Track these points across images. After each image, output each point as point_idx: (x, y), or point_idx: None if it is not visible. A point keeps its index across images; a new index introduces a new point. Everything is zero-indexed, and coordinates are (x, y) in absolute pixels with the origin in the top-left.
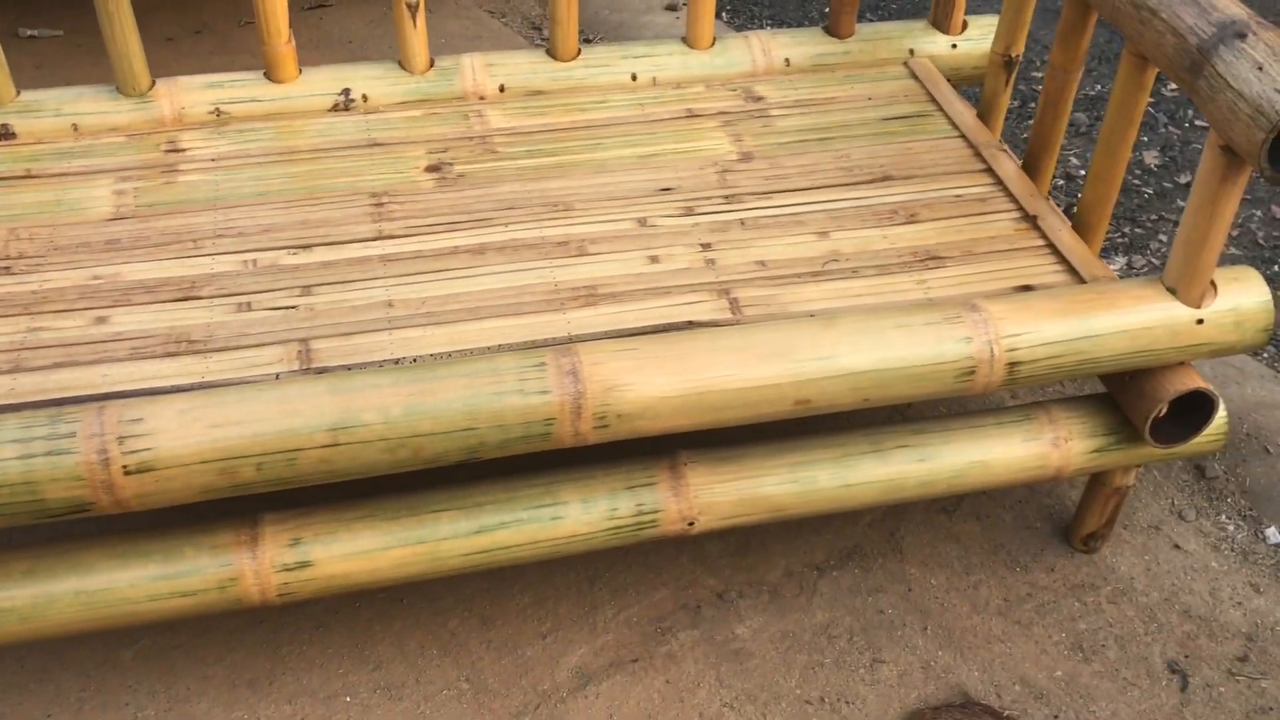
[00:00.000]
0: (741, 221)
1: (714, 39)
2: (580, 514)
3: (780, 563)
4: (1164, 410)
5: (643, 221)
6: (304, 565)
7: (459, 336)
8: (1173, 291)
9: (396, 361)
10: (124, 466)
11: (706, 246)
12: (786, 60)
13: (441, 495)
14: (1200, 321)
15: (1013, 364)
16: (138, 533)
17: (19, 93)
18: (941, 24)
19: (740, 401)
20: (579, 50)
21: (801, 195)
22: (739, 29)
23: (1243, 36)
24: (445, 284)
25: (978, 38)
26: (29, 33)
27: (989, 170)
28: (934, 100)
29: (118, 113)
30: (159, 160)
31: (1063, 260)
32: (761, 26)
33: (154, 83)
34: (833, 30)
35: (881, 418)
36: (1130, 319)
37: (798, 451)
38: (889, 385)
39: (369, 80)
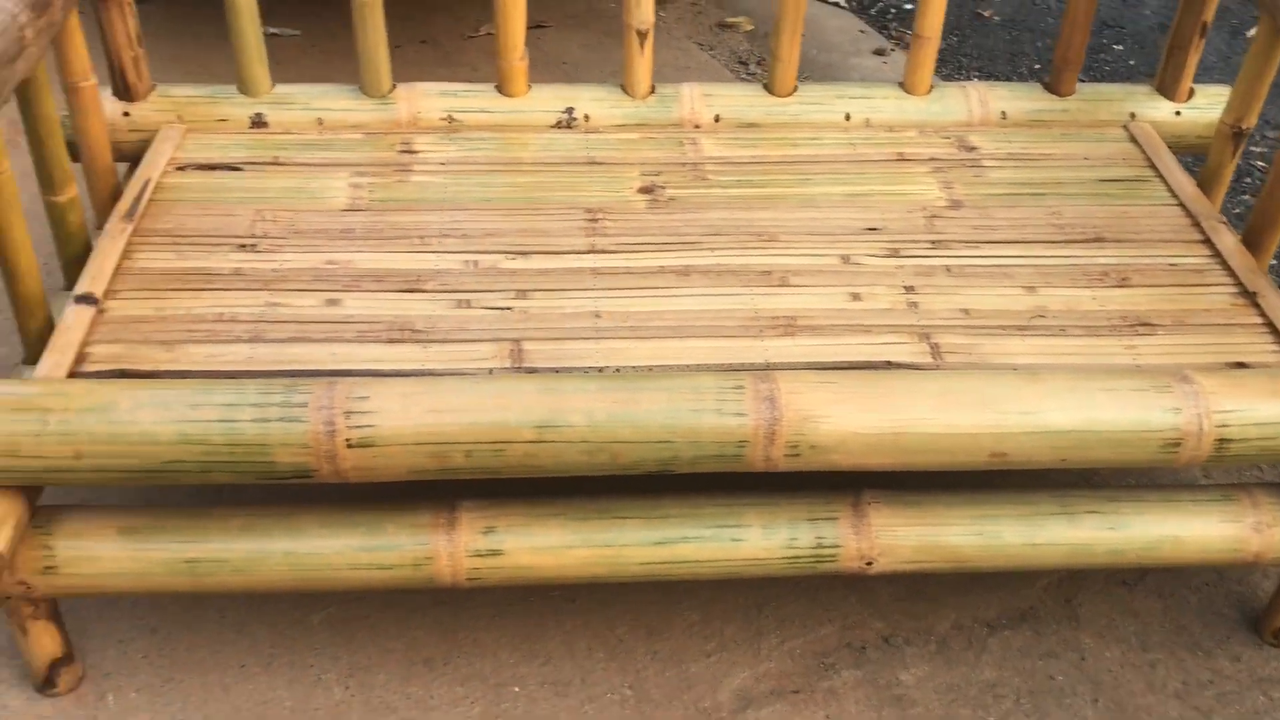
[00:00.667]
0: (947, 268)
1: (931, 86)
2: (760, 539)
3: (950, 615)
4: None
5: (846, 259)
6: (495, 553)
7: (660, 352)
8: None
9: (600, 369)
10: (347, 440)
11: (910, 289)
12: (1003, 113)
13: (629, 503)
14: None
15: (1222, 440)
16: (347, 504)
17: (274, 86)
18: (1168, 90)
19: (936, 447)
20: (796, 87)
21: (1010, 248)
22: (945, 79)
23: None
24: (651, 301)
25: (1204, 106)
26: (270, 30)
27: (1207, 241)
28: (1153, 166)
29: (359, 111)
30: (393, 159)
31: None
32: (968, 78)
33: (394, 86)
34: (1053, 87)
35: (1069, 480)
36: None
37: (985, 505)
38: (1090, 448)
39: (592, 101)
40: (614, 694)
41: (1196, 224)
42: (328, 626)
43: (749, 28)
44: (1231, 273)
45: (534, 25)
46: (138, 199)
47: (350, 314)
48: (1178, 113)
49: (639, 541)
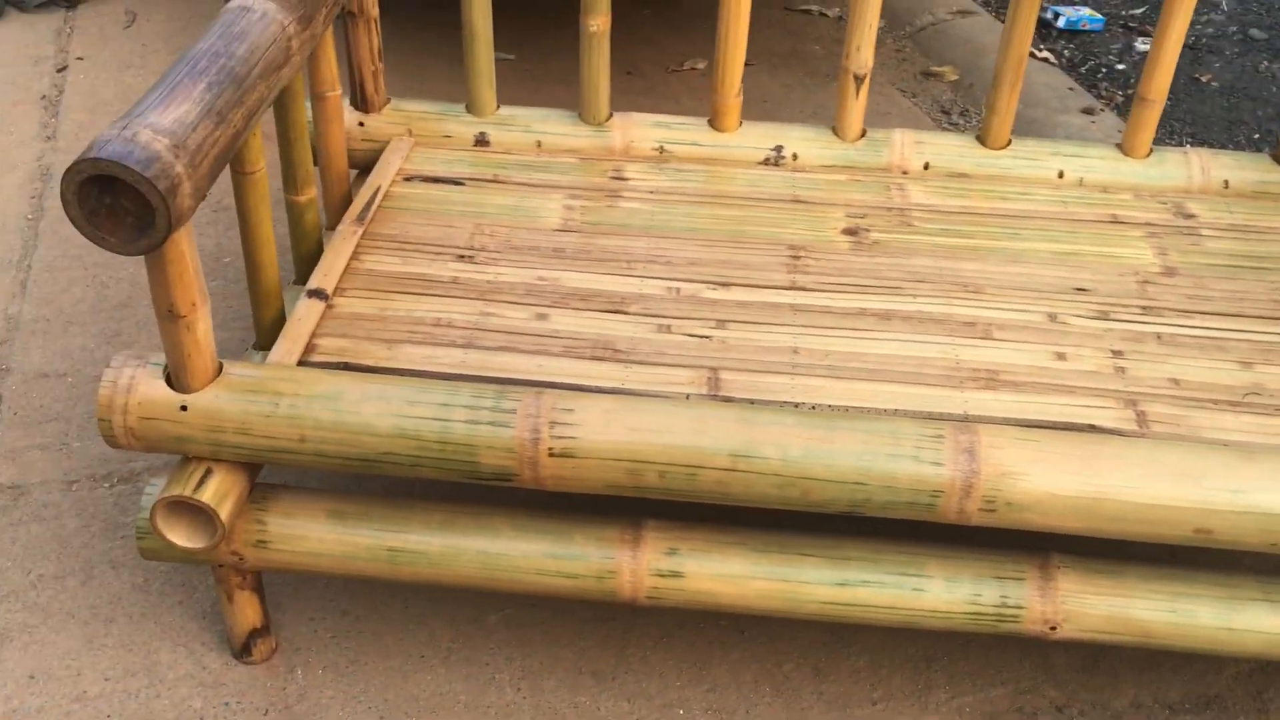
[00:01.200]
0: (1158, 335)
1: (1150, 149)
2: (942, 591)
3: (1129, 691)
4: None
5: (1053, 317)
6: (676, 575)
7: (856, 393)
8: None
9: (796, 405)
10: (550, 449)
11: (1117, 354)
12: (1225, 182)
13: (812, 541)
14: None
15: None
16: (539, 511)
17: (499, 107)
18: None
19: (1138, 516)
20: (1009, 141)
21: (1227, 320)
22: (1154, 143)
23: None
24: (849, 341)
25: None
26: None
27: None
28: None
29: (576, 137)
30: (605, 185)
31: None
32: (1181, 144)
33: (611, 115)
34: None
35: (1273, 566)
36: None
37: (1180, 581)
38: None
39: (801, 141)
40: None
41: None
42: (504, 626)
43: (953, 77)
44: None
45: None
46: (369, 204)
47: (557, 329)
48: None
49: (819, 580)
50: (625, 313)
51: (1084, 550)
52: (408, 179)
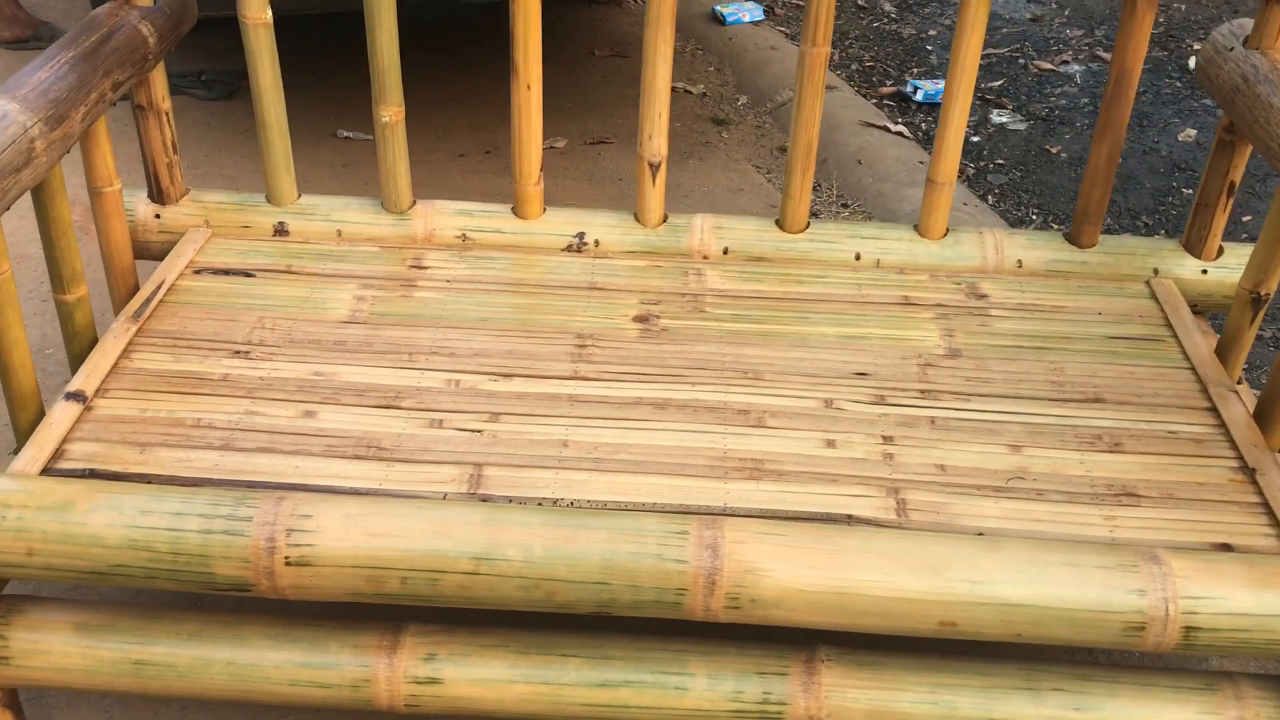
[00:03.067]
0: (932, 420)
1: (948, 230)
2: (705, 689)
3: None
4: None
5: (829, 403)
6: (434, 681)
7: (619, 487)
8: None
9: (555, 501)
10: (286, 557)
11: (888, 439)
12: (1019, 262)
13: (573, 640)
14: None
15: (1190, 629)
16: (293, 618)
17: (300, 196)
18: (1195, 247)
19: (882, 610)
20: (809, 224)
21: (1003, 403)
22: (1004, 214)
23: None
24: (621, 432)
25: (1234, 266)
26: (345, 134)
27: (1213, 410)
28: (1170, 325)
29: (377, 225)
30: (402, 274)
31: (1277, 524)
32: (1028, 215)
33: (414, 202)
34: (1074, 238)
35: (1040, 651)
36: None
37: (943, 672)
38: (1046, 624)
39: (604, 227)
40: None
41: (1205, 390)
42: None
43: None
44: (1234, 445)
45: (597, 140)
46: (148, 300)
47: (323, 427)
48: (1205, 271)
49: (580, 681)
50: (398, 407)
51: (854, 640)
52: (197, 271)
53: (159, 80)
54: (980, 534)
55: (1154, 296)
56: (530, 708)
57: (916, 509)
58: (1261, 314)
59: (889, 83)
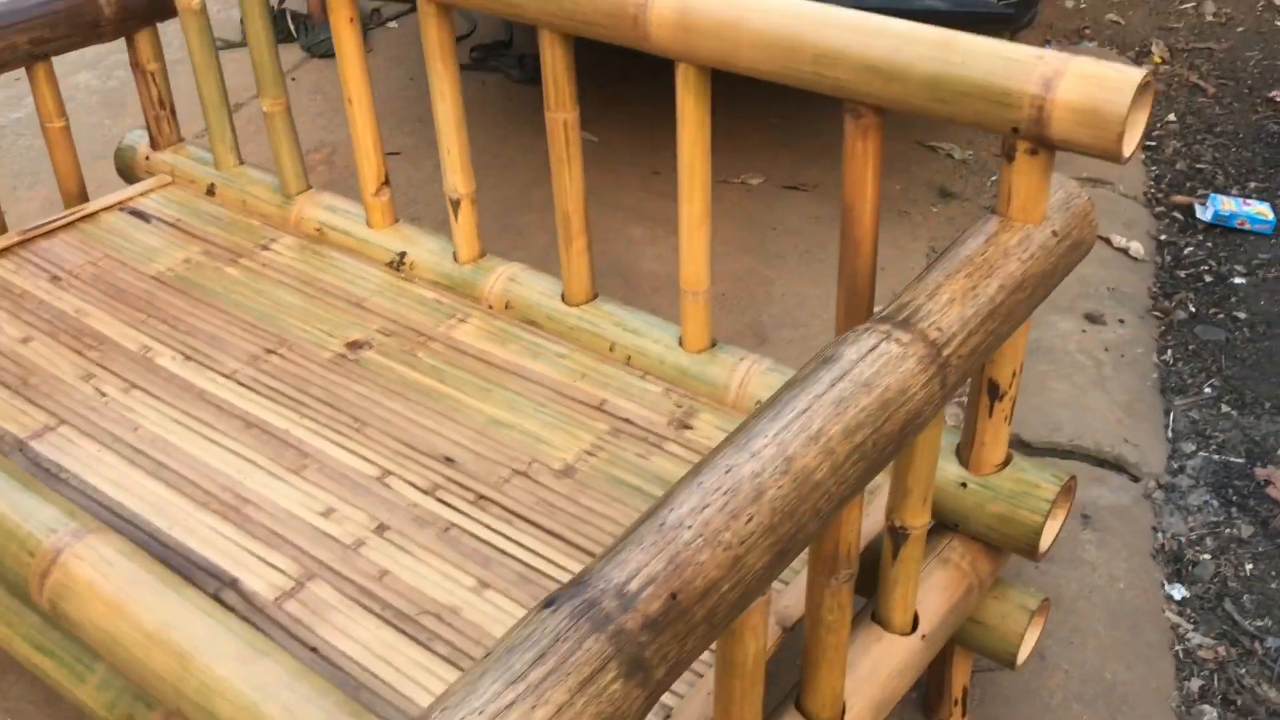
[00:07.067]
0: (448, 527)
1: (712, 343)
2: None
3: None
4: None
5: (384, 474)
6: None
7: (130, 481)
8: None
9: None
10: None
11: (382, 528)
12: (758, 402)
13: None
14: None
15: None
16: None
17: (241, 163)
18: None
19: None
20: (592, 297)
21: (543, 541)
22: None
23: None
24: (184, 434)
25: None
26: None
27: None
28: None
29: (268, 204)
30: (243, 248)
31: None
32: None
33: (308, 189)
34: None
35: None
36: None
37: None
38: None
39: (426, 252)
40: None
41: None
42: None
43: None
44: None
45: (792, 185)
46: (51, 221)
47: (20, 354)
48: None
49: None
50: (83, 355)
51: None
52: (119, 206)
53: (144, 45)
54: (314, 649)
55: None
56: None
57: (298, 603)
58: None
59: (1200, 191)
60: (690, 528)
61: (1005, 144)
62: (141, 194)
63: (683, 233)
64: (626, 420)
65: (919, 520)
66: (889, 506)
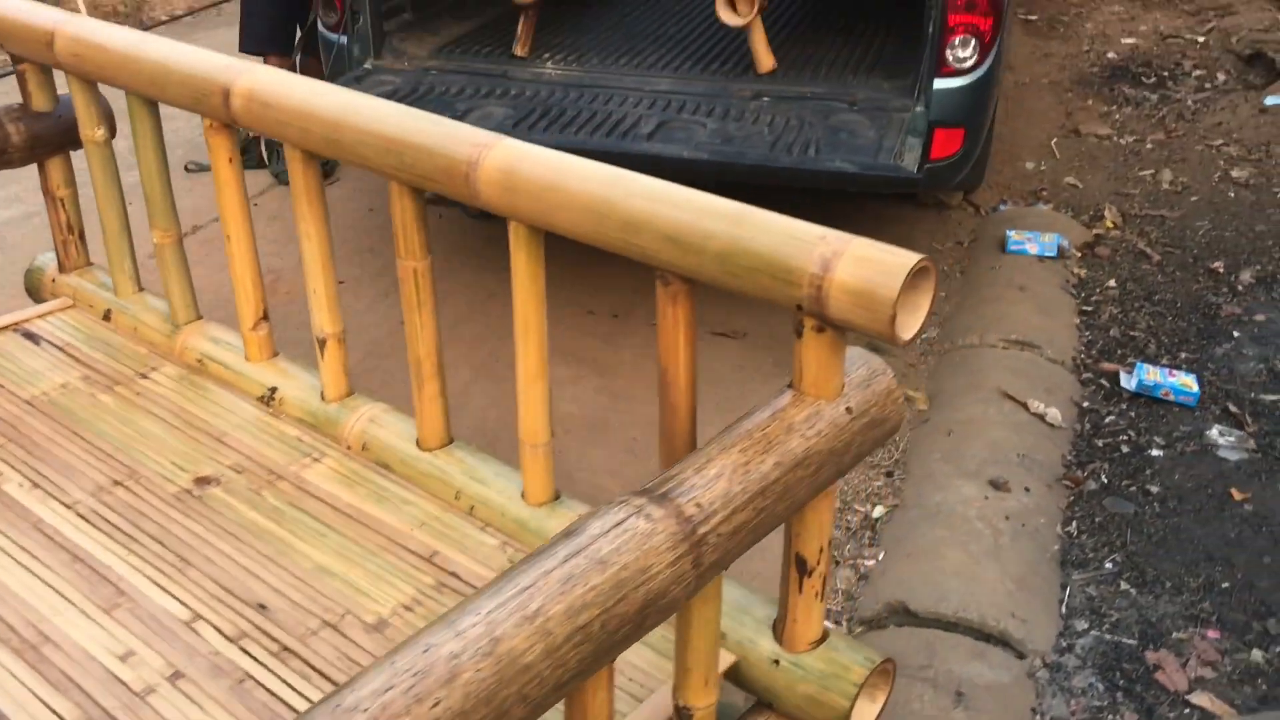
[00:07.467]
0: (242, 680)
1: (555, 496)
2: None
3: None
4: None
5: (194, 617)
6: None
7: None
8: None
9: None
10: None
11: (176, 675)
12: None
13: None
14: None
15: None
16: None
17: (140, 290)
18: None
19: None
20: (447, 443)
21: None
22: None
23: None
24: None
25: None
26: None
27: None
28: None
29: (157, 332)
30: (121, 376)
31: None
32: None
33: (198, 318)
34: None
35: None
36: None
37: None
38: None
39: (296, 388)
40: None
41: None
42: None
43: None
44: None
45: (721, 333)
46: None
47: None
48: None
49: None
50: None
51: None
52: (14, 327)
53: (55, 171)
54: None
55: None
56: None
57: None
58: None
59: (1130, 359)
60: (366, 711)
61: (795, 319)
62: (40, 315)
63: (520, 386)
64: (453, 574)
65: (703, 700)
66: (673, 685)
